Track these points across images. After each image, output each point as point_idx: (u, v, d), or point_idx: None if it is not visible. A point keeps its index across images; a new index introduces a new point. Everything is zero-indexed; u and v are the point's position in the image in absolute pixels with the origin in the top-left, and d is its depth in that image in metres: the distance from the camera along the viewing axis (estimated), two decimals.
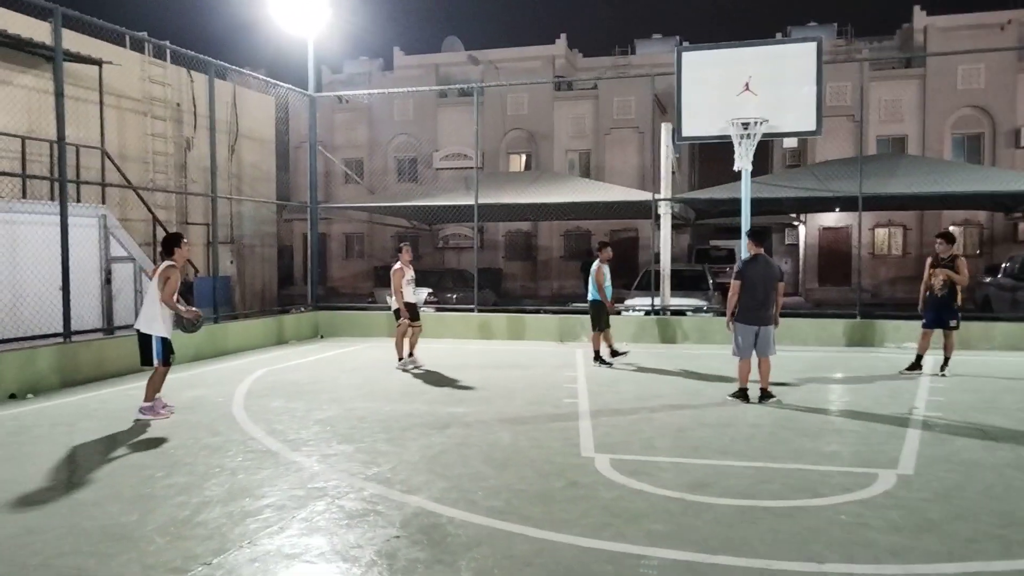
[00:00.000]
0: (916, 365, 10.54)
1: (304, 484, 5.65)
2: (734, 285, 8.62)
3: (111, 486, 5.62)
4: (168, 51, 16.43)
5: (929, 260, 10.52)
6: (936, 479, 5.64)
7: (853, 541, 4.49)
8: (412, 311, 11.45)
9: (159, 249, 8.73)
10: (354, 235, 35.58)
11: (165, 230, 15.69)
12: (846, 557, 4.26)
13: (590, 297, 11.71)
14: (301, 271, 32.56)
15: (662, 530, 4.68)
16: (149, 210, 15.23)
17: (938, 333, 10.48)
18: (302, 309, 16.74)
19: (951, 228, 29.04)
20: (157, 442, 6.92)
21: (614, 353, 11.72)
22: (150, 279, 8.34)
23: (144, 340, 8.01)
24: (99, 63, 14.95)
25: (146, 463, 6.23)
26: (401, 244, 11.73)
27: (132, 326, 8.90)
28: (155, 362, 7.98)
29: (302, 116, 18.66)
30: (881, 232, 29.66)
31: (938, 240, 10.53)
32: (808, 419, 7.85)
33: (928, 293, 10.42)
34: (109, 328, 12.90)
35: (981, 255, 28.18)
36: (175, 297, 7.95)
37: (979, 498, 5.22)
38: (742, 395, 8.62)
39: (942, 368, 10.39)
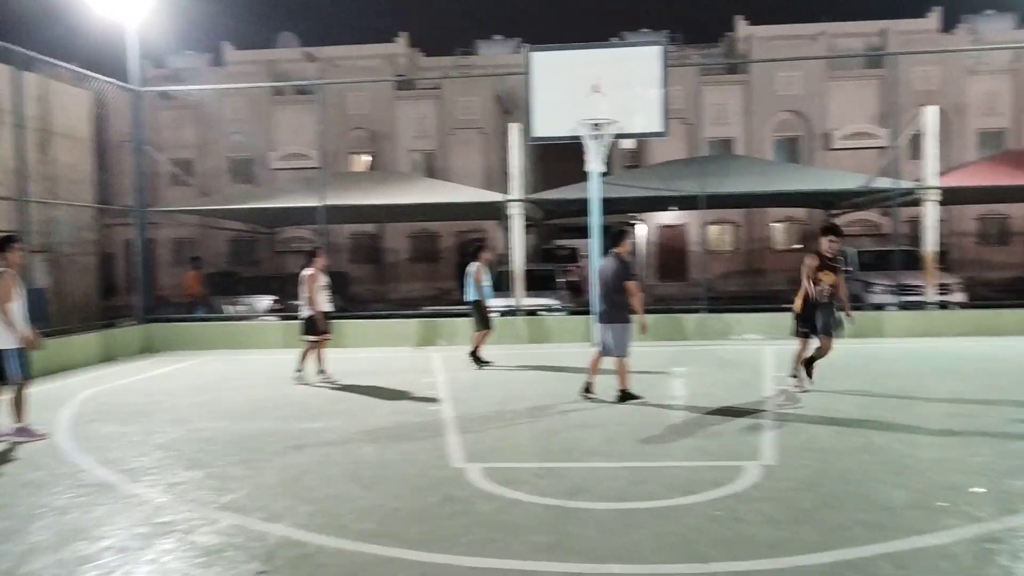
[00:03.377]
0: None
1: (149, 519, 5.05)
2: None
3: None
4: None
5: (809, 261, 8.66)
6: (799, 468, 5.82)
7: (733, 537, 4.51)
8: (326, 320, 10.59)
9: None
10: (184, 240, 33.40)
11: None
12: (729, 555, 4.27)
13: (470, 298, 11.67)
14: (126, 280, 30.20)
15: (547, 541, 4.52)
16: None
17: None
18: (131, 322, 15.42)
19: (775, 224, 31.13)
20: None
21: (476, 356, 11.65)
22: None
23: None
24: None
25: None
26: (315, 247, 10.74)
27: None
28: (16, 377, 7.29)
29: (123, 113, 17.24)
30: (714, 229, 31.32)
31: (830, 238, 8.64)
32: (671, 415, 7.97)
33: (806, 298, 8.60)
34: None
35: (802, 249, 30.36)
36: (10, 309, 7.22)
37: (841, 485, 5.42)
38: (585, 389, 8.79)
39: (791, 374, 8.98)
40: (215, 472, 6.15)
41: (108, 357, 13.48)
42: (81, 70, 15.75)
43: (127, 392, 10.19)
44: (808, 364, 8.77)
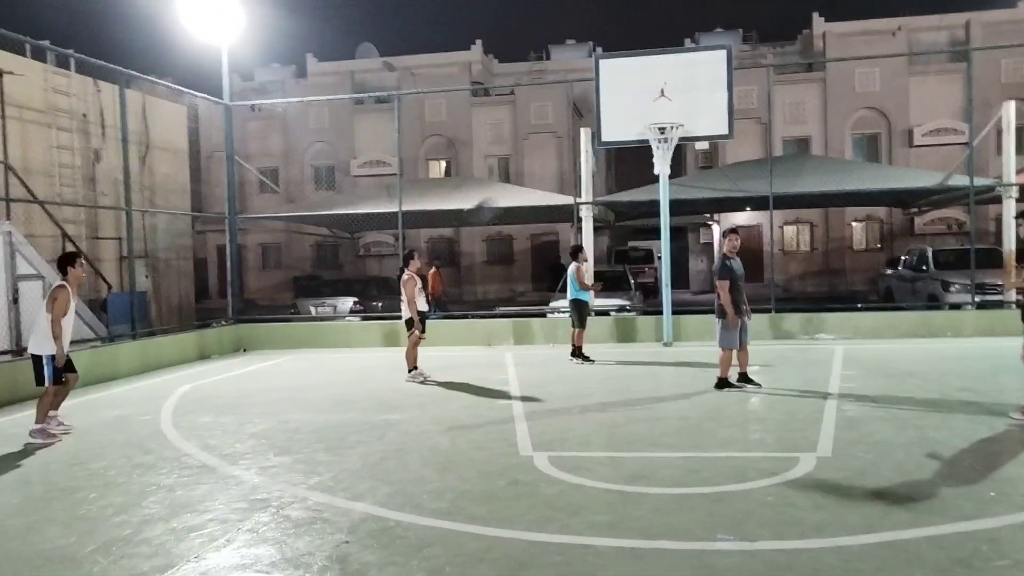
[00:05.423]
0: None
1: (246, 496, 5.62)
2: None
3: (42, 511, 5.47)
4: (72, 60, 15.87)
5: None
6: (853, 459, 6.01)
7: (781, 520, 4.77)
8: (423, 321, 10.98)
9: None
10: (271, 245, 34.95)
11: (75, 245, 15.15)
12: (776, 535, 4.53)
13: (572, 296, 12.22)
14: (217, 284, 31.80)
15: (604, 520, 4.87)
16: (57, 225, 14.68)
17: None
18: (223, 323, 16.41)
19: (854, 223, 30.49)
20: (85, 464, 6.73)
21: (580, 353, 12.20)
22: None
23: (36, 361, 7.79)
24: None
25: (77, 486, 6.06)
26: (412, 251, 11.14)
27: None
28: (45, 383, 7.75)
29: (214, 125, 18.29)
30: (790, 229, 30.92)
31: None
32: (733, 410, 8.19)
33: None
34: (19, 349, 12.36)
35: (882, 249, 29.69)
36: (61, 323, 7.72)
37: (891, 475, 5.60)
38: (722, 384, 9.19)
39: None
40: (303, 458, 6.71)
41: (203, 355, 14.41)
42: (177, 86, 16.85)
43: (222, 386, 10.97)
44: None
